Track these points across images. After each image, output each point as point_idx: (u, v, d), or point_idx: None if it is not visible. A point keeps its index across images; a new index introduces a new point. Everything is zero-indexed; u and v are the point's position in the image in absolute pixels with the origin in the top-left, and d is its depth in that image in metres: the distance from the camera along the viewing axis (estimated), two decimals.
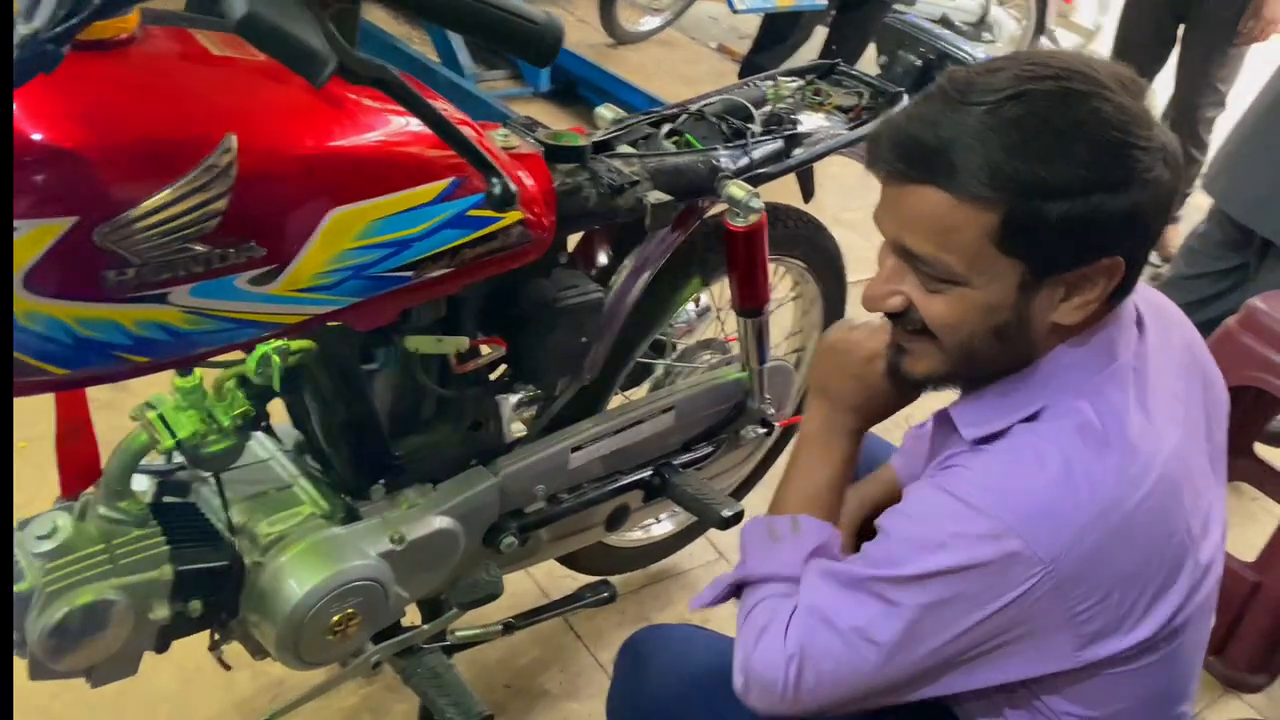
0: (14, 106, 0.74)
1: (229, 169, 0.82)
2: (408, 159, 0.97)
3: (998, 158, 0.82)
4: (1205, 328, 2.08)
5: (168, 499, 1.21)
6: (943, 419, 1.03)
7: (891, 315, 0.96)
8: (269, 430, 1.22)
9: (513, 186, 0.93)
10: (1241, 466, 2.31)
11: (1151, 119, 0.86)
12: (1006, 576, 0.87)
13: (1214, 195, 2.35)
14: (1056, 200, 0.82)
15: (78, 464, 1.11)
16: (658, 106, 3.59)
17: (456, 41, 3.60)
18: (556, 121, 3.51)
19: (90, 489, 1.15)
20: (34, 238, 0.77)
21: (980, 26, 4.49)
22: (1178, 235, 3.59)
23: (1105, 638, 0.90)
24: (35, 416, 1.75)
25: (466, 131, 0.96)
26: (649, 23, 4.47)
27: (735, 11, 2.66)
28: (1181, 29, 3.34)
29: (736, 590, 1.11)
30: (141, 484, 1.18)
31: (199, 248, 0.84)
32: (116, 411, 1.17)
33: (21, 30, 0.68)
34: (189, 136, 0.82)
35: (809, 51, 3.85)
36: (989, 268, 0.87)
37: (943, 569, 0.88)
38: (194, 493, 1.23)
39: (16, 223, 0.76)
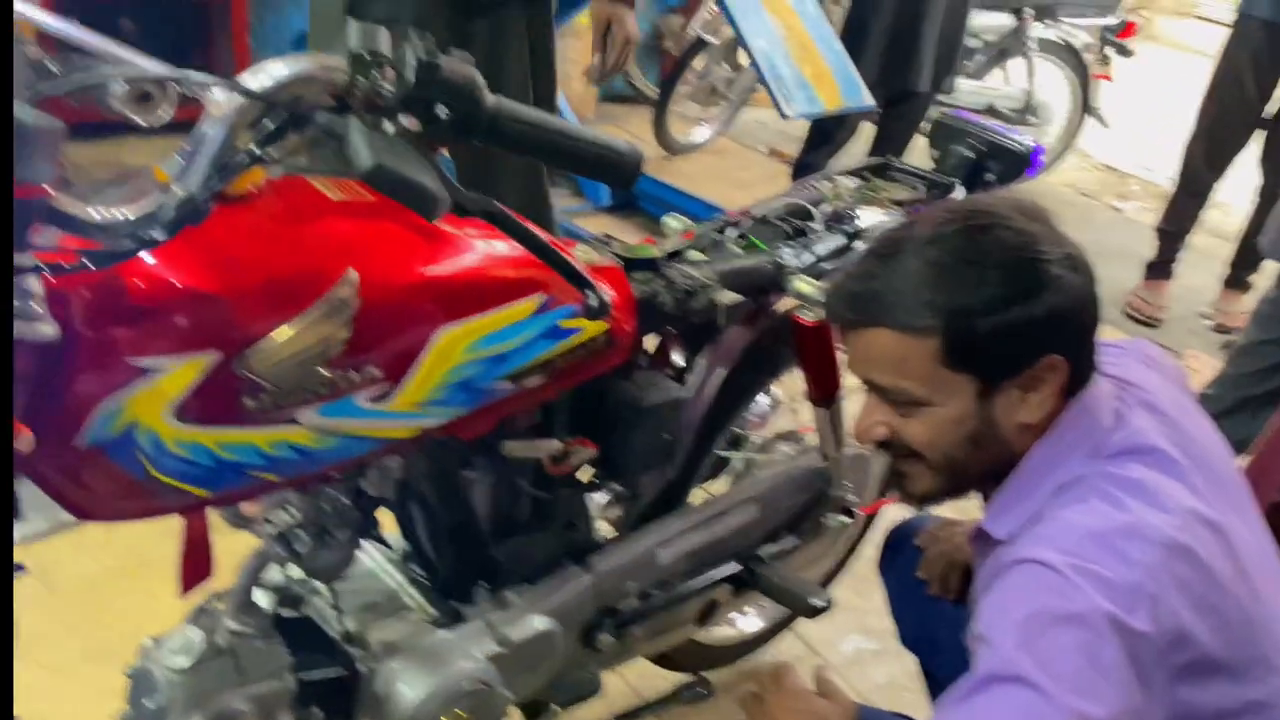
0: (161, 255, 0.84)
1: (350, 300, 0.92)
2: (504, 279, 1.06)
3: (925, 292, 0.98)
4: None
5: (285, 610, 1.27)
6: (978, 536, 1.11)
7: (882, 445, 1.08)
8: (378, 539, 1.29)
9: (607, 298, 1.01)
10: None
11: (1053, 234, 1.00)
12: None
13: (1277, 259, 2.35)
14: (982, 317, 0.97)
15: (196, 567, 1.19)
16: (714, 212, 3.70)
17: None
18: (619, 232, 3.64)
19: (218, 604, 1.23)
20: (184, 372, 0.85)
21: (1026, 111, 4.57)
22: (1242, 303, 3.57)
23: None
24: (146, 543, 1.84)
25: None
26: (700, 133, 4.63)
27: (785, 118, 2.76)
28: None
29: None
30: (262, 598, 1.26)
31: (325, 372, 0.92)
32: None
33: (177, 191, 0.78)
34: (314, 273, 0.91)
35: (857, 147, 3.96)
36: (945, 386, 1.01)
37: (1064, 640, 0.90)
38: (309, 603, 1.30)
39: (168, 360, 0.85)
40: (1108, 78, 4.71)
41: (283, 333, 0.89)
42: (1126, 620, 0.88)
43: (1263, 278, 3.44)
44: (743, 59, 4.39)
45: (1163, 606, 0.90)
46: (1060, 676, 0.87)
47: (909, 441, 1.06)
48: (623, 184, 0.94)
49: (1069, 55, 4.58)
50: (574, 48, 4.48)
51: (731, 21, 2.78)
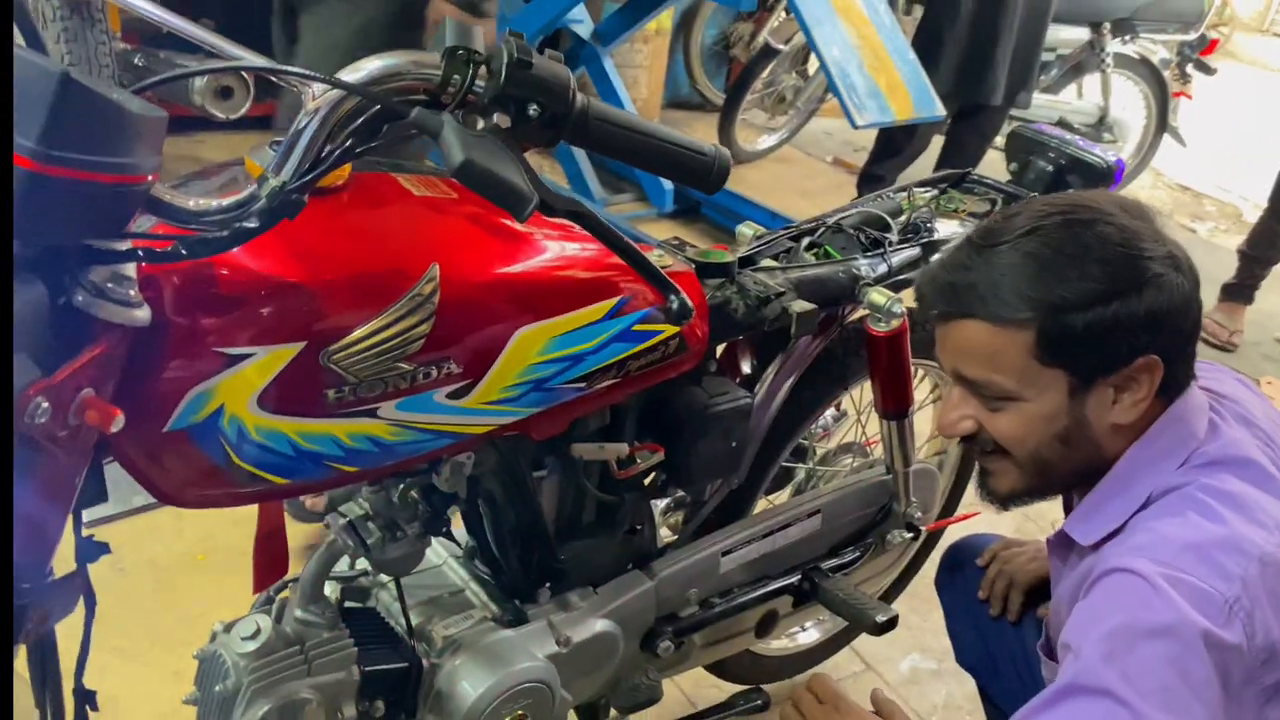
0: (252, 246, 0.85)
1: (432, 296, 0.92)
2: (582, 280, 1.06)
3: (1022, 285, 0.96)
4: None
5: (351, 603, 1.29)
6: (1060, 542, 1.10)
7: (966, 439, 1.07)
8: (447, 535, 1.30)
9: (689, 302, 1.01)
10: None
11: (1156, 232, 0.98)
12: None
13: None
14: (1080, 312, 0.95)
15: (270, 563, 1.20)
16: (779, 220, 3.69)
17: (585, 168, 3.80)
18: (683, 238, 3.63)
19: (286, 592, 1.24)
20: (269, 362, 0.87)
21: (1100, 127, 4.48)
22: None
23: None
24: (215, 530, 1.88)
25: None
26: (765, 141, 4.62)
27: (856, 127, 2.74)
28: None
29: None
30: (328, 589, 1.27)
31: (405, 366, 0.93)
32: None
33: (271, 183, 0.79)
34: (398, 269, 0.92)
35: (925, 160, 3.92)
36: (1037, 381, 0.99)
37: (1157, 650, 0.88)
38: (374, 597, 1.31)
39: (254, 349, 0.86)
40: (1188, 95, 4.61)
41: (367, 326, 0.90)
42: (1219, 634, 0.86)
43: None
44: (811, 67, 4.37)
45: (1258, 621, 0.87)
46: (1148, 693, 0.85)
47: (997, 436, 1.04)
48: (709, 187, 0.93)
49: (1147, 71, 4.49)
50: (642, 53, 4.49)
51: (805, 29, 2.76)
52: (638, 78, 4.53)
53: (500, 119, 0.81)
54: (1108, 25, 4.33)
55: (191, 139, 3.64)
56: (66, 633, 0.94)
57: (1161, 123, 4.58)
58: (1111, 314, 0.95)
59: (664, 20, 4.43)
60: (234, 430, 0.88)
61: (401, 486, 1.19)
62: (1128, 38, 4.41)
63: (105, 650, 1.70)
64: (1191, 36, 4.50)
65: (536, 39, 3.65)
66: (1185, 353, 1.01)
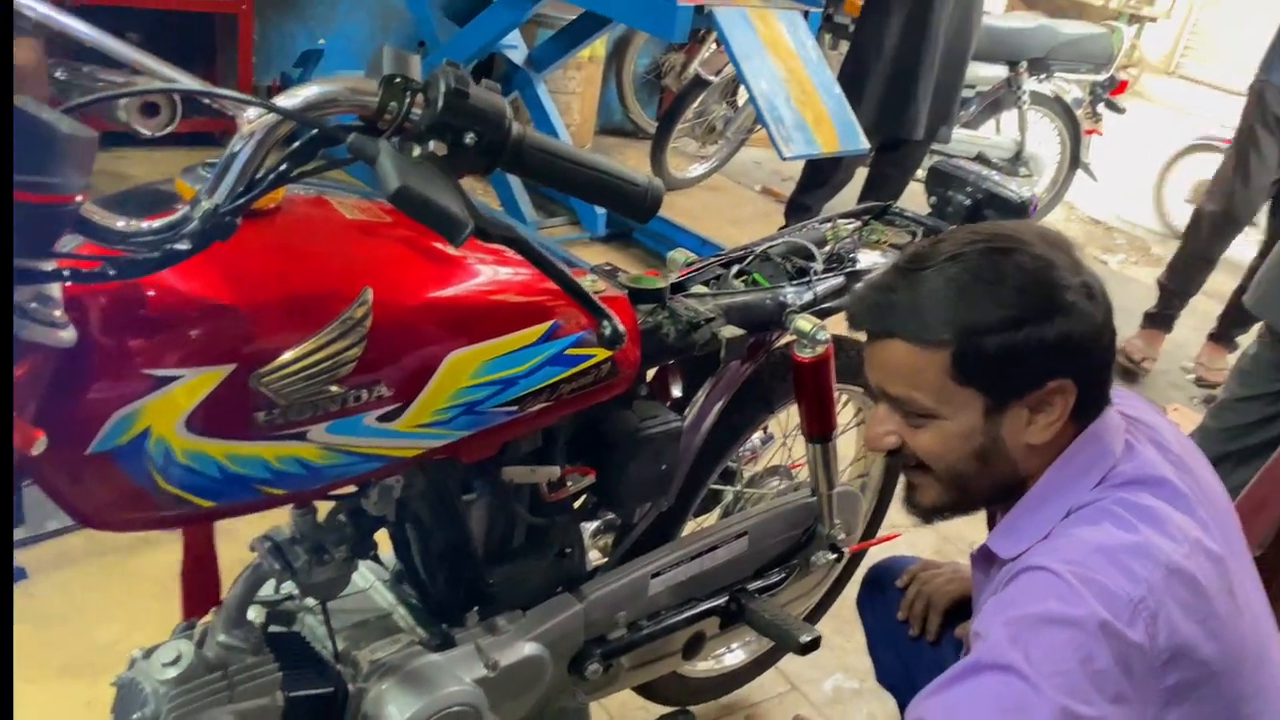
0: (182, 267, 0.85)
1: (364, 320, 0.93)
2: (516, 304, 1.07)
3: (941, 308, 1.01)
4: (1262, 450, 2.12)
5: (276, 627, 1.27)
6: (982, 556, 1.13)
7: (892, 454, 1.11)
8: (375, 558, 1.29)
9: (621, 327, 1.03)
10: None
11: (1073, 262, 1.03)
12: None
13: (1262, 316, 2.37)
14: (993, 335, 0.99)
15: (200, 590, 1.19)
16: (708, 247, 3.73)
17: (518, 192, 3.81)
18: (615, 262, 3.66)
19: (208, 616, 1.22)
20: (197, 384, 0.86)
21: (1017, 162, 4.64)
22: (1225, 360, 3.62)
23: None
24: (134, 553, 1.82)
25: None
26: (696, 169, 4.68)
27: (783, 158, 2.80)
28: None
29: None
30: (252, 613, 1.25)
31: (336, 389, 0.93)
32: (227, 544, 1.25)
33: (204, 205, 0.79)
34: (331, 291, 0.92)
35: (849, 190, 4.01)
36: (953, 399, 1.03)
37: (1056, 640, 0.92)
38: (300, 621, 1.30)
39: (182, 371, 0.86)
40: (1099, 133, 4.80)
41: (298, 349, 0.90)
42: (1123, 630, 0.90)
43: (1249, 336, 3.50)
44: (741, 99, 4.45)
45: (1161, 623, 0.92)
46: (1051, 674, 0.89)
47: (918, 452, 1.08)
48: (641, 217, 0.96)
49: (1061, 109, 4.67)
50: (575, 79, 4.53)
51: (734, 62, 2.82)
52: (570, 104, 4.56)
53: (436, 146, 0.82)
54: (1024, 64, 4.50)
55: (114, 154, 3.56)
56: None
57: (1074, 158, 4.76)
58: (1023, 338, 0.99)
59: (597, 48, 4.48)
60: (160, 453, 0.87)
61: (329, 509, 1.18)
62: (1043, 77, 4.59)
63: (15, 679, 1.64)
64: (1103, 77, 4.71)
65: (471, 63, 3.67)
66: (1098, 378, 1.06)
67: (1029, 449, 1.05)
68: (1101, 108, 4.76)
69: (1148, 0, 10.11)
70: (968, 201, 1.74)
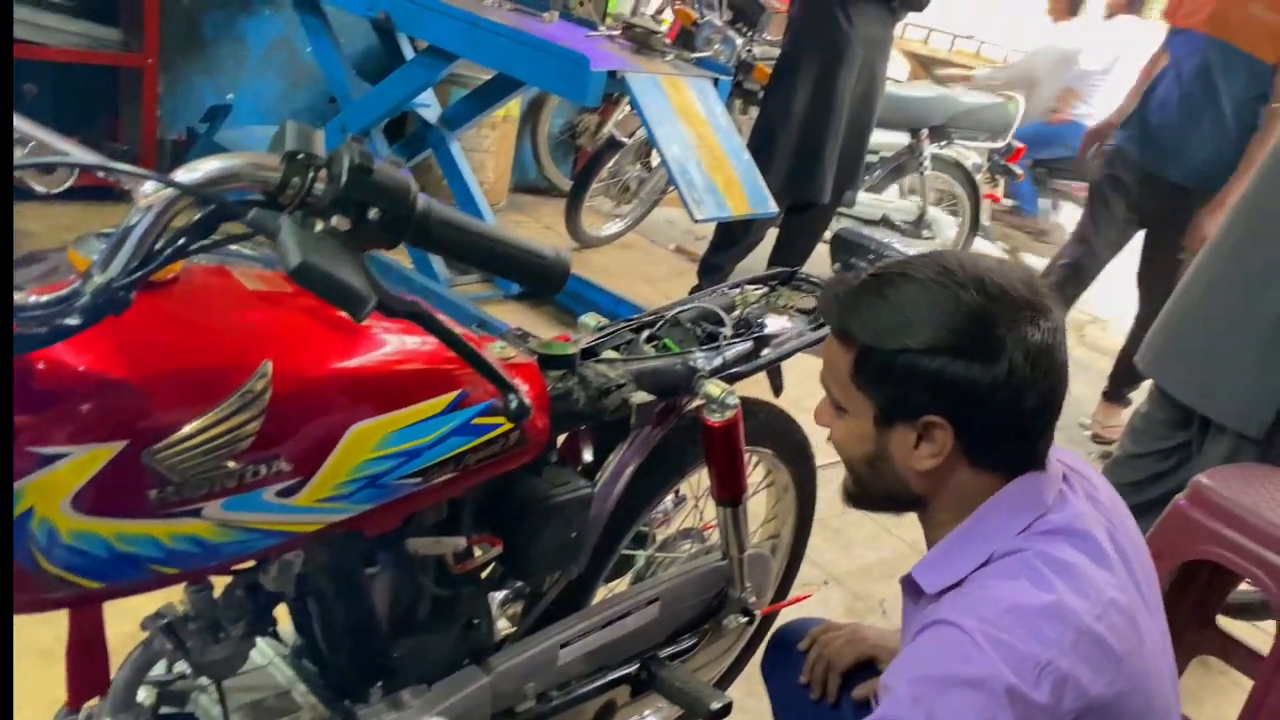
0: (73, 339, 0.82)
1: (264, 393, 0.91)
2: (420, 375, 1.06)
3: (864, 313, 1.07)
4: (1155, 505, 2.19)
5: (168, 709, 1.22)
6: (907, 583, 1.15)
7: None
8: (274, 634, 1.25)
9: (527, 401, 1.03)
10: (1206, 640, 2.36)
11: (1022, 319, 1.02)
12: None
13: (1153, 376, 2.46)
14: (885, 352, 1.04)
15: (88, 675, 1.13)
16: (622, 305, 3.74)
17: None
18: (528, 320, 3.66)
19: (93, 700, 1.17)
20: (86, 461, 0.83)
21: (919, 225, 4.80)
22: (1120, 417, 3.77)
23: None
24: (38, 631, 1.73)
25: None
26: (611, 228, 4.72)
27: (695, 221, 2.85)
28: (1141, 235, 3.76)
29: None
30: (142, 693, 1.20)
31: (233, 465, 0.91)
32: (118, 620, 1.20)
33: (97, 279, 0.77)
34: (229, 365, 0.90)
35: (761, 250, 4.09)
36: (853, 399, 1.10)
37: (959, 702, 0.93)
38: (193, 701, 1.24)
39: (70, 448, 0.83)
40: (996, 198, 5.00)
41: (194, 424, 0.87)
42: (1028, 693, 0.92)
43: (1142, 394, 3.64)
44: (655, 160, 4.52)
45: (1069, 687, 0.93)
46: None
47: (833, 439, 1.15)
48: (549, 290, 0.96)
49: (961, 174, 4.85)
50: (489, 138, 4.55)
51: (647, 127, 2.87)
52: (485, 162, 4.57)
53: (339, 221, 0.82)
54: (926, 131, 4.68)
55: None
56: None
57: (974, 221, 4.94)
58: (904, 364, 1.03)
59: (512, 108, 4.51)
60: (44, 533, 0.84)
61: (225, 584, 1.15)
62: (944, 143, 4.77)
63: None
64: (1000, 144, 4.91)
65: (383, 121, 3.66)
66: (995, 434, 1.06)
67: (919, 474, 1.08)
68: (999, 174, 4.96)
69: None
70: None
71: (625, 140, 4.35)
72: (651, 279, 4.47)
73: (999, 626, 0.96)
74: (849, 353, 1.08)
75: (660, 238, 5.10)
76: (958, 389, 1.02)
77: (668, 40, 3.40)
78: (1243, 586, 2.39)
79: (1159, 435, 2.46)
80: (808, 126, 3.69)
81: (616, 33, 3.31)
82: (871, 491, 1.16)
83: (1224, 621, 2.43)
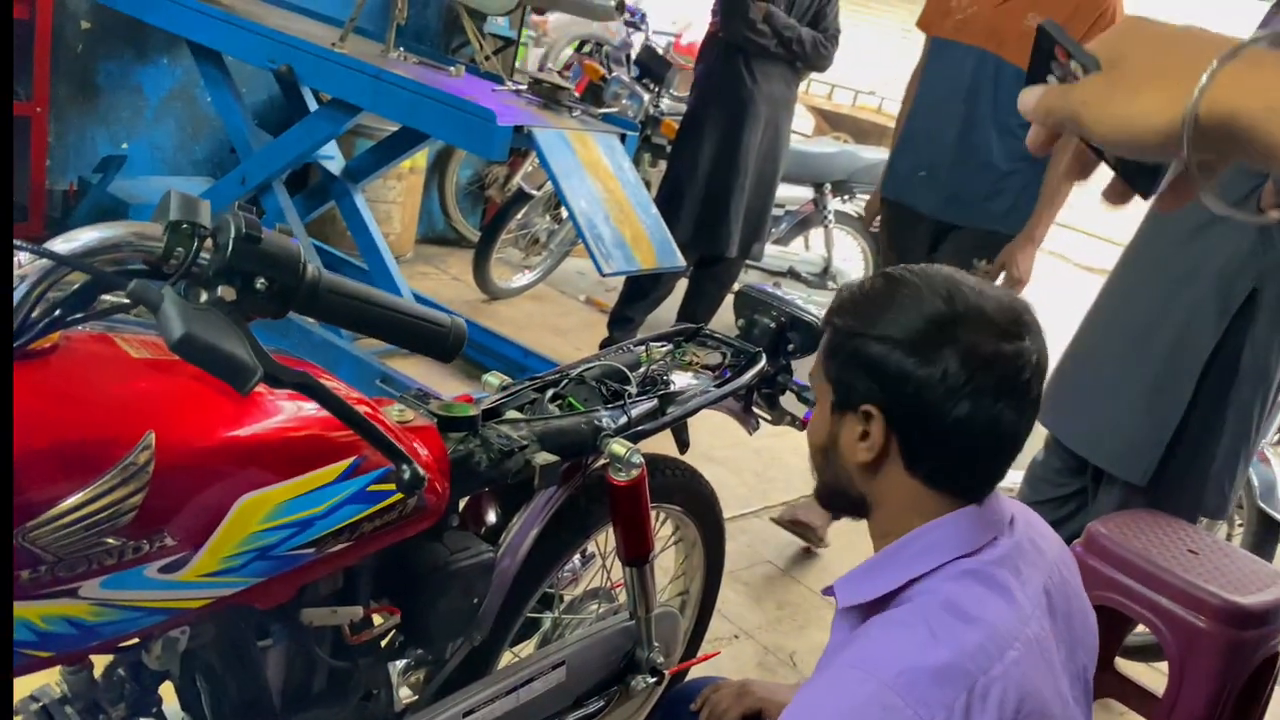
0: None
1: (146, 465, 0.87)
2: (312, 443, 1.03)
3: (852, 304, 1.10)
4: None
5: None
6: (829, 592, 1.16)
7: None
8: (158, 715, 1.19)
9: (422, 472, 1.01)
10: (1105, 682, 2.43)
11: (941, 316, 1.04)
12: None
13: (1047, 425, 2.53)
14: (846, 336, 1.08)
15: None
16: (531, 358, 3.71)
17: None
18: (434, 372, 3.61)
19: None
20: None
21: (825, 276, 4.91)
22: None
23: None
24: None
25: (367, 412, 1.04)
26: (520, 279, 4.72)
27: (603, 275, 2.86)
28: None
29: None
30: None
31: (113, 541, 0.87)
32: None
33: None
34: (109, 436, 0.87)
35: (670, 302, 4.13)
36: (819, 386, 1.14)
37: None
38: None
39: None
40: None
41: (72, 499, 0.83)
42: None
43: (1037, 443, 3.75)
44: (564, 212, 4.54)
45: None
46: None
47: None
48: (445, 357, 0.95)
49: (863, 227, 4.99)
50: (395, 189, 4.52)
51: (554, 181, 2.88)
52: (391, 213, 4.54)
53: (225, 291, 0.80)
54: (829, 185, 4.81)
55: None
56: None
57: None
58: (854, 346, 1.07)
59: (419, 159, 4.50)
60: None
61: (106, 663, 1.09)
62: (846, 197, 4.91)
63: None
64: None
65: (286, 173, 3.60)
66: (936, 442, 1.06)
67: (860, 469, 1.10)
68: None
69: None
70: (772, 325, 1.82)
71: (534, 192, 4.37)
72: (562, 330, 4.47)
73: (895, 689, 0.96)
74: (823, 337, 1.13)
75: (570, 289, 5.11)
76: (893, 378, 1.04)
77: (575, 95, 3.43)
78: (1139, 629, 2.47)
79: (1055, 483, 2.53)
80: (713, 181, 3.76)
81: (523, 87, 3.33)
82: (824, 483, 1.17)
83: (1121, 663, 2.50)
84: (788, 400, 1.88)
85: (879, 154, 5.03)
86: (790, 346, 1.82)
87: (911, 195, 3.12)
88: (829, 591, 1.15)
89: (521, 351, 3.72)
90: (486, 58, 3.67)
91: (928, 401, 1.04)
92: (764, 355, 1.79)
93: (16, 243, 0.75)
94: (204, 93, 3.88)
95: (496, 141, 2.78)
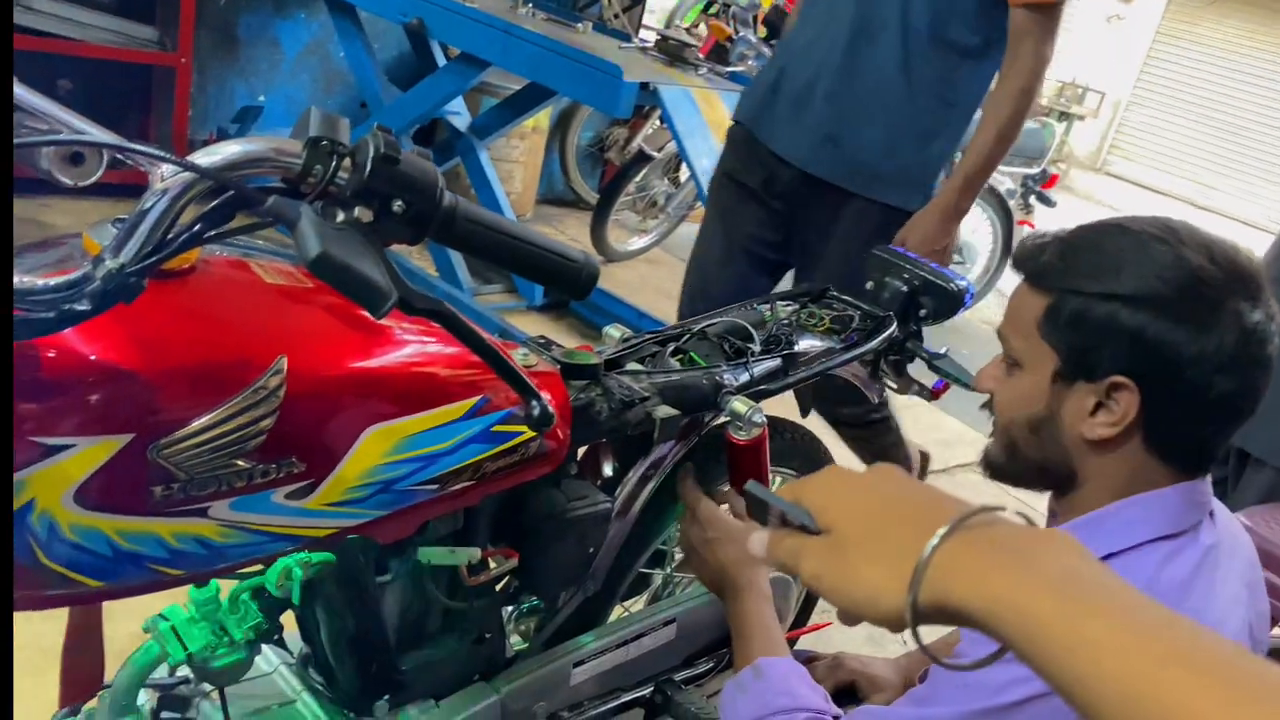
0: (82, 328, 0.79)
1: (278, 389, 0.87)
2: (440, 379, 1.02)
3: (1056, 259, 1.00)
4: None
5: (168, 714, 1.18)
6: None
7: (989, 404, 1.11)
8: (280, 643, 1.21)
9: (550, 409, 0.99)
10: None
11: (1210, 276, 0.93)
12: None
13: None
14: (1087, 299, 0.96)
15: (82, 674, 1.10)
16: (645, 320, 3.70)
17: (455, 257, 3.77)
18: (550, 332, 3.63)
19: (93, 701, 1.14)
20: (91, 454, 0.80)
21: None
22: None
23: None
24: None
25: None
26: (636, 242, 4.70)
27: None
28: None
29: None
30: (143, 697, 1.17)
31: (242, 463, 0.87)
32: (120, 619, 1.17)
33: (108, 264, 0.74)
34: (243, 359, 0.87)
35: None
36: (1035, 351, 1.01)
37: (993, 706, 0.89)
38: (194, 707, 1.21)
39: (75, 439, 0.79)
40: (1030, 224, 4.94)
41: (205, 419, 0.84)
42: None
43: None
44: (683, 175, 4.49)
45: None
46: None
47: (995, 395, 1.08)
48: (577, 294, 0.92)
49: (994, 200, 4.80)
50: (518, 148, 4.54)
51: (677, 139, 2.84)
52: (513, 172, 4.57)
53: (362, 213, 0.78)
54: (959, 157, 4.62)
55: (38, 203, 3.45)
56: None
57: (1007, 248, 4.88)
58: (1106, 313, 0.95)
59: (541, 118, 4.50)
60: (44, 527, 0.80)
61: (232, 588, 1.11)
62: None
63: None
64: (1035, 170, 4.86)
65: (413, 128, 3.65)
66: (1181, 412, 0.97)
67: (1085, 445, 1.00)
68: (1033, 200, 4.90)
69: (1077, 99, 10.61)
70: (904, 288, 1.74)
71: (654, 154, 4.33)
72: (674, 295, 4.40)
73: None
74: (1041, 298, 1.00)
75: (685, 254, 5.05)
76: (1157, 351, 0.94)
77: (700, 55, 3.37)
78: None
79: None
80: None
81: (650, 45, 3.29)
82: (1022, 460, 1.06)
83: None
84: (916, 368, 1.81)
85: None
86: (922, 312, 1.74)
87: (769, 127, 2.15)
88: None
89: (636, 313, 3.71)
90: (615, 15, 3.63)
91: (1192, 378, 0.94)
92: (894, 320, 1.72)
93: (162, 154, 0.75)
94: (338, 47, 3.95)
95: (622, 98, 2.75)
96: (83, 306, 0.75)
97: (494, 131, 3.81)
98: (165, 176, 0.76)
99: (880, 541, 0.64)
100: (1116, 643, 0.53)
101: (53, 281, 0.75)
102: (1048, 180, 4.85)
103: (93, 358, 0.81)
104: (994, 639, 0.59)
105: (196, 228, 0.77)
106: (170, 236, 0.76)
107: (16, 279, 0.74)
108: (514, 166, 4.57)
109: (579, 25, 3.34)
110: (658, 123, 4.62)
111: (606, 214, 4.38)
